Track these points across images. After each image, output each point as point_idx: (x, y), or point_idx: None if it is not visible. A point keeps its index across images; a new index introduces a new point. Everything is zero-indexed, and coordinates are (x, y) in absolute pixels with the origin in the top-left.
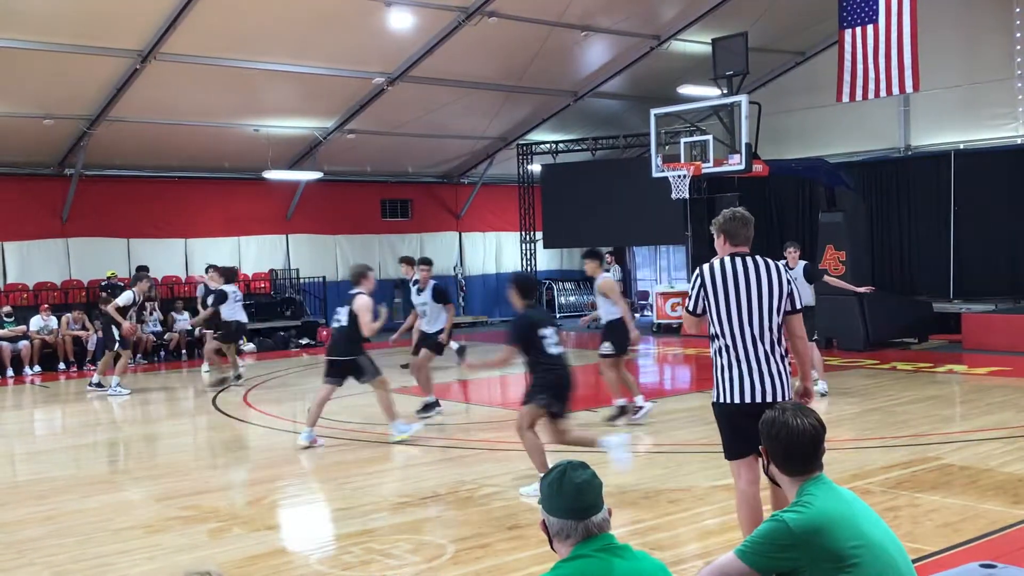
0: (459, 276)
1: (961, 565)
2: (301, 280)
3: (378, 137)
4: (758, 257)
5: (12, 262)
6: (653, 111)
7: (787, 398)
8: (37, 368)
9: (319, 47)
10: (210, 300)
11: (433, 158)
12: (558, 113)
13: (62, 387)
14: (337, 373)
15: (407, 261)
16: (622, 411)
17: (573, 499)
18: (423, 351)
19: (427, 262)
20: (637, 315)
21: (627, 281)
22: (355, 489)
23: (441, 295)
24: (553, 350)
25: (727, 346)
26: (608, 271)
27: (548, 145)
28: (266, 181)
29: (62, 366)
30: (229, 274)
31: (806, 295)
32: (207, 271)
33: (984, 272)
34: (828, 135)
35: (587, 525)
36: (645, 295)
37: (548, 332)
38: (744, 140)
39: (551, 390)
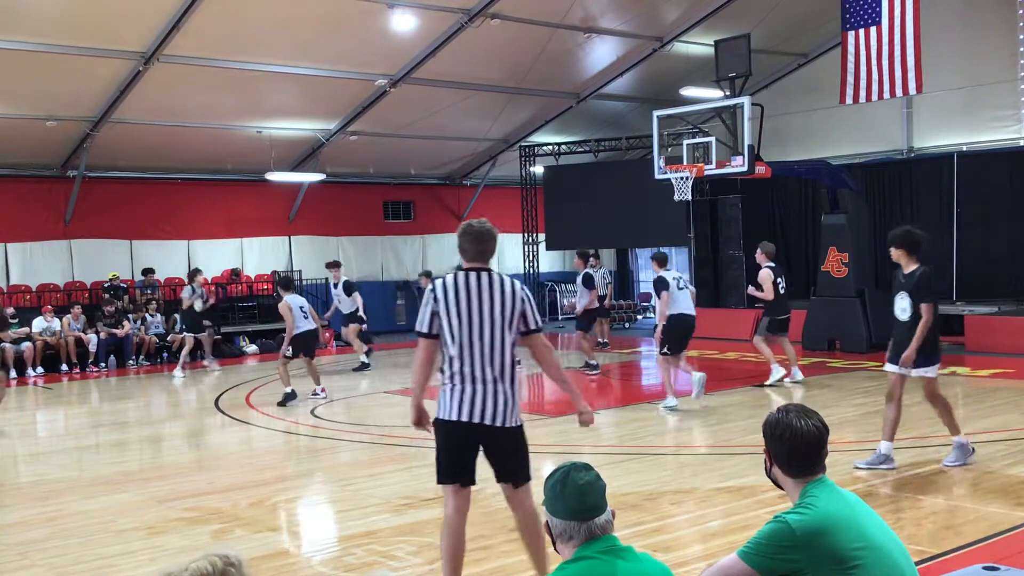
0: None
1: (964, 567)
2: (304, 282)
3: (380, 139)
4: (495, 273)
5: (15, 263)
6: (656, 113)
7: (512, 424)
8: (40, 369)
9: (322, 49)
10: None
11: (435, 160)
12: (561, 115)
13: (64, 388)
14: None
15: (427, 275)
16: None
17: (576, 501)
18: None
19: (428, 274)
20: (639, 316)
21: (629, 283)
22: (357, 491)
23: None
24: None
25: (458, 365)
26: (593, 269)
27: (551, 147)
28: (269, 183)
29: (64, 367)
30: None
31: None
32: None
33: (987, 274)
34: (831, 137)
35: (590, 527)
36: (647, 297)
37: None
38: (747, 142)
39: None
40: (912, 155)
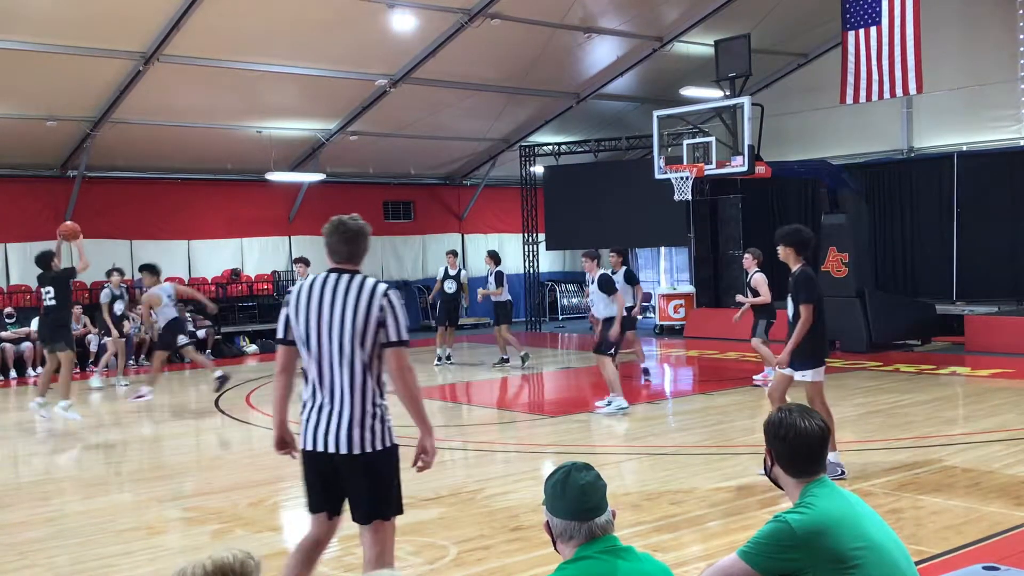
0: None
1: (964, 567)
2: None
3: (381, 139)
4: (357, 277)
5: (15, 263)
6: (656, 113)
7: (361, 450)
8: (40, 369)
9: (322, 49)
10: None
11: (436, 160)
12: (561, 115)
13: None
14: None
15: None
16: None
17: (577, 501)
18: None
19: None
20: (640, 317)
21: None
22: None
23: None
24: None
25: (311, 380)
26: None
27: (551, 147)
28: (269, 183)
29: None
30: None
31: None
32: (115, 272)
33: (987, 274)
34: (831, 137)
35: (591, 527)
36: (648, 297)
37: None
38: (747, 142)
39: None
40: (912, 155)
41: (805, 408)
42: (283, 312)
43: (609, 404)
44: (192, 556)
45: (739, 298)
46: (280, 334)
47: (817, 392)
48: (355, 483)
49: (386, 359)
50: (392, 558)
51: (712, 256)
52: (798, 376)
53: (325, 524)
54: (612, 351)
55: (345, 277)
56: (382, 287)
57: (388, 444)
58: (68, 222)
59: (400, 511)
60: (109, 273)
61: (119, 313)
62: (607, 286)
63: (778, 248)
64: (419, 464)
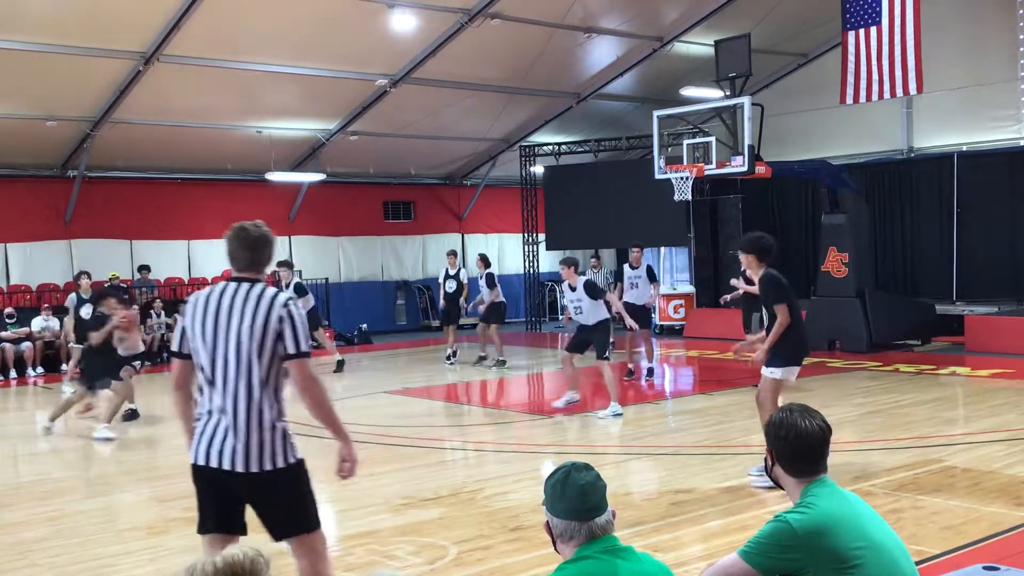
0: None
1: (964, 567)
2: (304, 282)
3: (381, 139)
4: (257, 286)
5: (15, 263)
6: (656, 113)
7: (260, 468)
8: (40, 369)
9: (322, 49)
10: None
11: (436, 160)
12: (561, 115)
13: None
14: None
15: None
16: None
17: (577, 500)
18: None
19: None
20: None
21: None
22: (357, 490)
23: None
24: None
25: (206, 394)
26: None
27: (551, 147)
28: (269, 183)
29: (64, 367)
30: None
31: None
32: (81, 277)
33: (987, 274)
34: (831, 137)
35: (591, 527)
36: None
37: None
38: (747, 142)
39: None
40: (912, 155)
41: (806, 408)
42: (179, 323)
43: (609, 411)
44: (192, 556)
45: (734, 282)
46: (175, 346)
47: (772, 390)
48: (263, 502)
49: (290, 370)
50: (328, 567)
51: (712, 256)
52: (766, 371)
53: (220, 545)
54: (607, 354)
55: (244, 287)
56: (282, 297)
57: (292, 460)
58: (128, 317)
59: (318, 524)
60: (78, 277)
61: (87, 318)
62: (594, 291)
63: (740, 256)
64: (342, 473)
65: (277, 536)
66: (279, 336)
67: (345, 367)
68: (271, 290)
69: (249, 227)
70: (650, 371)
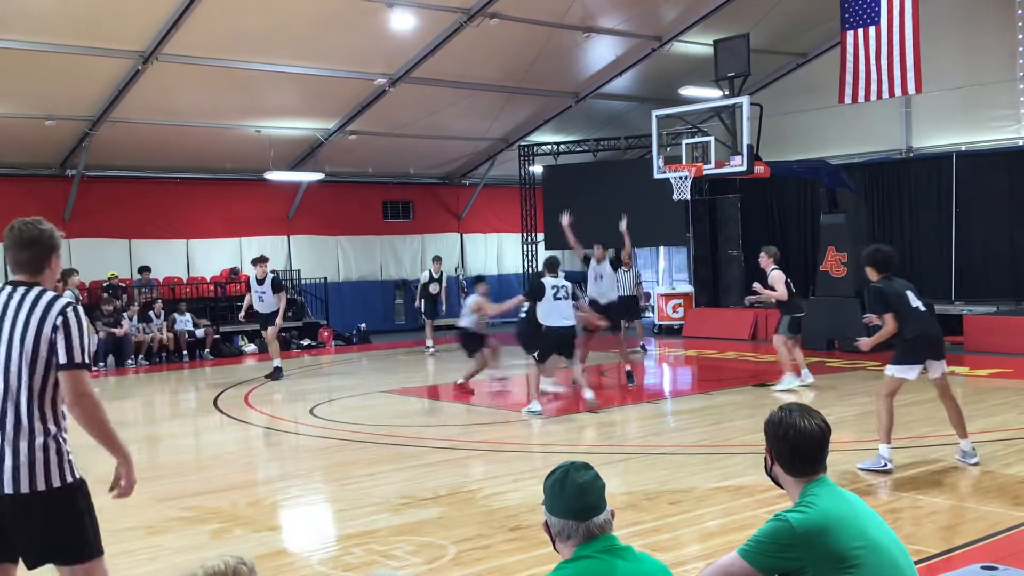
0: (460, 277)
1: (963, 567)
2: (302, 281)
3: (380, 138)
4: (34, 291)
5: None
6: (655, 112)
7: (31, 488)
8: None
9: (321, 48)
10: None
11: (435, 159)
12: (560, 114)
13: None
14: None
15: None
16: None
17: (575, 500)
18: None
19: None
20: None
21: None
22: (356, 490)
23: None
24: None
25: None
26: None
27: (550, 146)
28: (268, 182)
29: None
30: None
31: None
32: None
33: (986, 274)
34: (829, 137)
35: (589, 526)
36: (647, 296)
37: None
38: (746, 141)
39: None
40: (911, 155)
41: (805, 407)
42: None
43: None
44: (192, 556)
45: (756, 286)
46: None
47: (887, 387)
48: (31, 526)
49: (61, 379)
50: None
51: (711, 256)
52: (884, 370)
53: (6, 570)
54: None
55: (20, 291)
56: (61, 303)
57: (70, 480)
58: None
59: (101, 551)
60: (65, 274)
61: None
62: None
63: (865, 270)
64: (115, 492)
65: (36, 563)
66: (52, 345)
67: (283, 375)
68: (49, 294)
69: (21, 225)
70: (629, 375)
